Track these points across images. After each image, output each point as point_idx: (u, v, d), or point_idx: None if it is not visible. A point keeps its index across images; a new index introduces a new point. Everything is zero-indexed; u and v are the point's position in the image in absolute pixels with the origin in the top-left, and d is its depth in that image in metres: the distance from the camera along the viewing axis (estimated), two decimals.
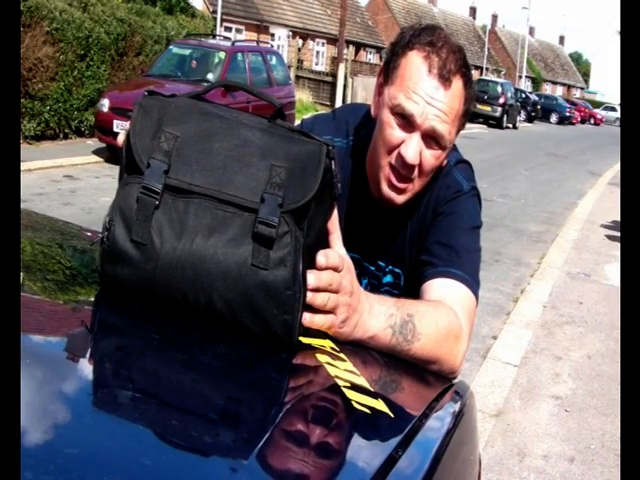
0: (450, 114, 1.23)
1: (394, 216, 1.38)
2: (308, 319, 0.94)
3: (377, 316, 1.02)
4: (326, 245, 0.99)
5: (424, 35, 1.25)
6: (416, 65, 1.23)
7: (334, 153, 0.93)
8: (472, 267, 1.26)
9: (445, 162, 1.33)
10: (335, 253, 0.96)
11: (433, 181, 1.34)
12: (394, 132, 1.24)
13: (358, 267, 1.38)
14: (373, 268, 1.43)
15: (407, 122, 1.23)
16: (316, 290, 0.93)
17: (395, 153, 1.25)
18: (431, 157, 1.25)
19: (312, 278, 0.92)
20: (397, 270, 1.41)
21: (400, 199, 1.29)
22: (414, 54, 1.23)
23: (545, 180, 13.41)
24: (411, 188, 1.28)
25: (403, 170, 1.25)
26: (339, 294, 0.96)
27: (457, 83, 1.23)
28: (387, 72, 1.28)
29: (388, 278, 1.42)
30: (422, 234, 1.34)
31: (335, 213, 0.99)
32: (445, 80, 1.21)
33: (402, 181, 1.27)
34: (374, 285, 1.43)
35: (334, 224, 0.99)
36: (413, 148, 1.22)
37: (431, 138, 1.23)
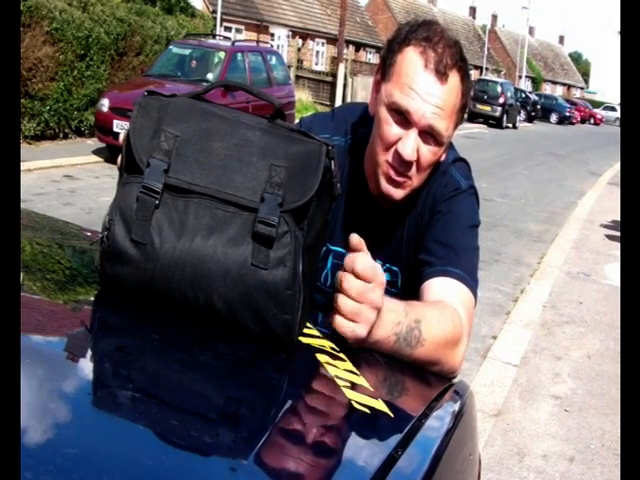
0: (447, 109, 1.23)
1: (392, 214, 1.38)
2: (339, 321, 0.96)
3: (384, 325, 1.02)
4: (325, 245, 0.99)
5: (420, 31, 1.25)
6: (412, 61, 1.23)
7: (334, 153, 0.93)
8: (470, 266, 1.26)
9: (443, 157, 1.33)
10: (368, 262, 0.96)
11: (431, 177, 1.34)
12: (391, 129, 1.24)
13: None
14: None
15: (404, 119, 1.23)
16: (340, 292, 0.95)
17: (392, 150, 1.25)
18: (428, 153, 1.25)
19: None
20: (394, 268, 1.41)
21: (399, 194, 1.29)
22: (410, 50, 1.24)
23: (545, 180, 13.40)
24: (410, 183, 1.29)
25: (401, 167, 1.25)
26: (367, 307, 0.96)
27: (454, 77, 1.23)
28: (384, 69, 1.28)
29: (386, 277, 1.42)
30: (420, 232, 1.34)
31: (363, 245, 0.98)
32: (442, 75, 1.22)
33: (400, 176, 1.27)
34: None
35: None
36: (410, 145, 1.23)
37: (428, 134, 1.24)
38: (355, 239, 0.97)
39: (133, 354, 0.86)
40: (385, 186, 1.29)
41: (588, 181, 13.96)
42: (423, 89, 1.21)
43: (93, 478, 0.58)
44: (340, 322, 0.96)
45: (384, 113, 1.25)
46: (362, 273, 0.94)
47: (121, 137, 0.96)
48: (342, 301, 0.95)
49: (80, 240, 1.36)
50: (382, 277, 0.99)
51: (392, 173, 1.27)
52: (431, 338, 1.07)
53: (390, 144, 1.25)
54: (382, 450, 0.78)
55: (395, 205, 1.37)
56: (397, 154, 1.24)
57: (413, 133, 1.23)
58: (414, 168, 1.26)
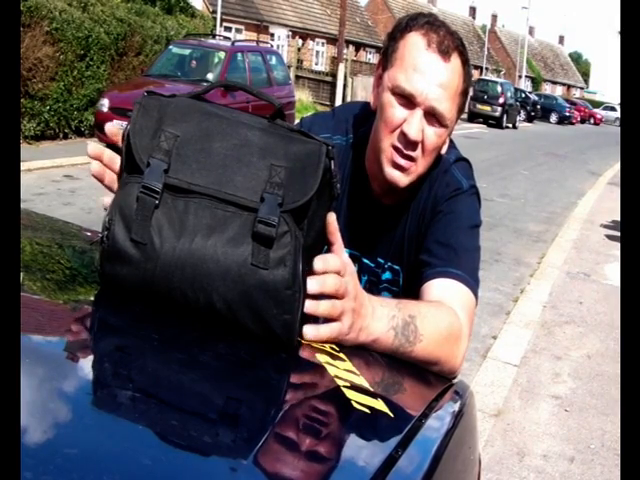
0: (450, 90, 1.24)
1: (393, 213, 1.38)
2: (311, 333, 0.93)
3: (380, 319, 1.01)
4: (325, 245, 0.99)
5: (421, 17, 1.28)
6: (415, 43, 1.24)
7: (334, 153, 0.93)
8: (471, 266, 1.26)
9: (445, 148, 1.33)
10: (335, 257, 0.94)
11: (433, 171, 1.33)
12: (396, 111, 1.25)
13: (357, 264, 1.39)
14: (372, 265, 1.43)
15: (408, 100, 1.24)
16: (319, 296, 0.91)
17: (397, 132, 1.25)
18: (433, 135, 1.25)
19: (314, 283, 0.89)
20: (396, 267, 1.41)
21: (404, 180, 1.29)
22: (412, 34, 1.25)
23: (545, 180, 13.41)
24: (414, 169, 1.28)
25: (407, 149, 1.25)
26: (344, 299, 0.94)
27: (456, 59, 1.25)
28: (385, 60, 1.29)
29: (387, 275, 1.42)
30: (421, 232, 1.34)
31: (335, 224, 0.97)
32: (444, 54, 1.23)
33: (406, 158, 1.27)
34: (373, 282, 1.43)
35: (335, 235, 0.97)
36: (415, 125, 1.23)
37: (432, 116, 1.24)
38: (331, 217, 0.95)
39: (133, 354, 0.86)
40: (389, 172, 1.28)
41: (588, 181, 13.97)
42: (426, 68, 1.22)
43: (93, 478, 0.57)
44: (314, 331, 0.92)
45: (388, 97, 1.25)
46: (332, 269, 0.92)
47: (108, 128, 0.98)
48: (315, 303, 0.91)
49: (80, 240, 1.36)
50: (352, 269, 0.98)
51: (397, 157, 1.26)
52: (428, 333, 1.06)
53: (395, 126, 1.25)
54: (382, 450, 0.78)
55: (397, 203, 1.37)
56: (403, 135, 1.24)
57: (418, 113, 1.23)
58: (419, 150, 1.26)
